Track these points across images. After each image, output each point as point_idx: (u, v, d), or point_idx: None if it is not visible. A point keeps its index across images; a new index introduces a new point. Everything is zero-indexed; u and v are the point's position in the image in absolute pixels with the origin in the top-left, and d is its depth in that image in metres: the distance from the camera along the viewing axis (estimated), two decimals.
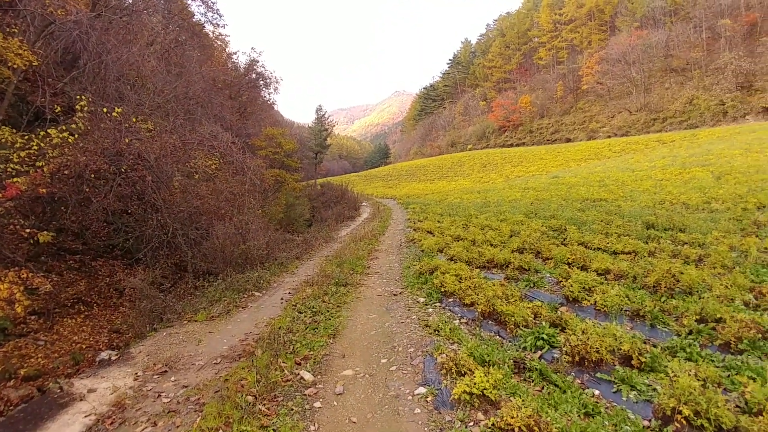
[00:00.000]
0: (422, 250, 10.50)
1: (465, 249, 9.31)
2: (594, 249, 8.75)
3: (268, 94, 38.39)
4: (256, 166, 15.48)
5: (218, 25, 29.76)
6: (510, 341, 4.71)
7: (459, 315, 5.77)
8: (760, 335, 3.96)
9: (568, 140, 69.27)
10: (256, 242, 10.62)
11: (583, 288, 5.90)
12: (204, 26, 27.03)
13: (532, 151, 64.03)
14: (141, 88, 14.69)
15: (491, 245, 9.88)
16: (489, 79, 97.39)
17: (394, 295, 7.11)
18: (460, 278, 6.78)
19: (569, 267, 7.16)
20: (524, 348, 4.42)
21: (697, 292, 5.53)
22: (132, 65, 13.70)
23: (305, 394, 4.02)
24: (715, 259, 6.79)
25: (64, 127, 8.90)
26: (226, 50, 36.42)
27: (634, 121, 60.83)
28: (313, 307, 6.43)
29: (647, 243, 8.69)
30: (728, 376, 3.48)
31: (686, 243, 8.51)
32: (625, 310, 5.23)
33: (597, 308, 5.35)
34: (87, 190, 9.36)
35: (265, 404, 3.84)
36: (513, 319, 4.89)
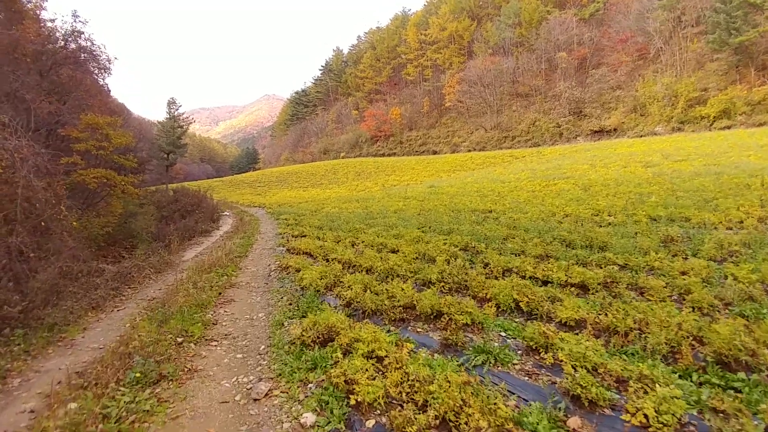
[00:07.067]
0: (302, 288, 7.22)
1: (365, 286, 6.39)
2: (528, 278, 6.71)
3: (101, 78, 30.01)
4: (41, 162, 9.99)
5: None
6: None
7: None
8: None
9: (435, 152, 73.13)
10: None
11: (589, 369, 3.49)
12: None
13: (404, 161, 65.54)
14: None
15: (398, 276, 7.19)
16: (361, 89, 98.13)
17: (255, 400, 3.76)
18: (380, 360, 3.81)
19: (531, 318, 4.80)
20: None
21: (749, 368, 3.56)
22: None
23: None
24: (700, 297, 5.16)
25: None
26: (40, 15, 27.18)
27: (489, 138, 66.88)
28: None
29: (586, 267, 7.00)
30: None
31: (628, 268, 7.05)
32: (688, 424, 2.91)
33: (640, 426, 2.91)
34: None
35: None
36: None
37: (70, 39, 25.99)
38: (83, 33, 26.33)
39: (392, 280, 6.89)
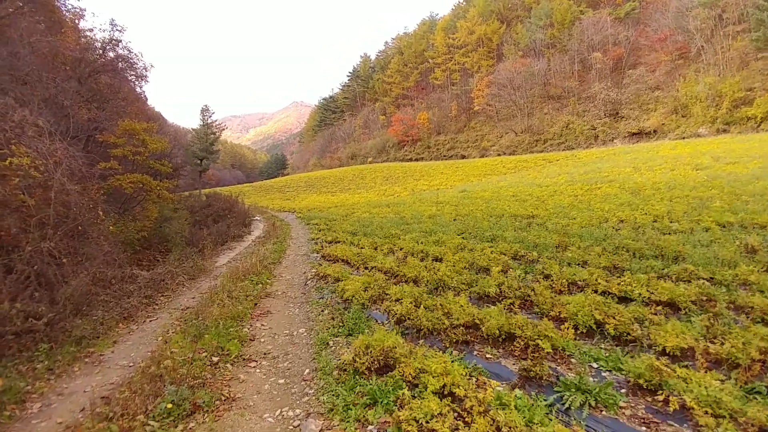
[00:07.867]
0: (345, 300, 6.60)
1: (416, 300, 5.71)
2: (601, 293, 5.85)
3: (138, 86, 30.75)
4: (75, 165, 9.85)
5: None
6: None
7: None
8: None
9: (463, 157, 71.81)
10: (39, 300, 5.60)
11: (727, 418, 2.69)
12: None
13: (432, 166, 64.59)
14: None
15: (450, 288, 6.47)
16: (388, 94, 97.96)
17: None
18: (456, 400, 3.13)
19: (621, 345, 3.99)
20: None
21: None
22: None
23: None
24: None
25: None
26: (79, 25, 28.15)
27: (519, 142, 65.01)
28: None
29: (668, 282, 6.08)
30: None
31: (716, 282, 6.08)
32: None
33: None
34: None
35: None
36: None
37: (108, 47, 26.47)
38: (120, 41, 26.69)
39: (444, 292, 6.20)
